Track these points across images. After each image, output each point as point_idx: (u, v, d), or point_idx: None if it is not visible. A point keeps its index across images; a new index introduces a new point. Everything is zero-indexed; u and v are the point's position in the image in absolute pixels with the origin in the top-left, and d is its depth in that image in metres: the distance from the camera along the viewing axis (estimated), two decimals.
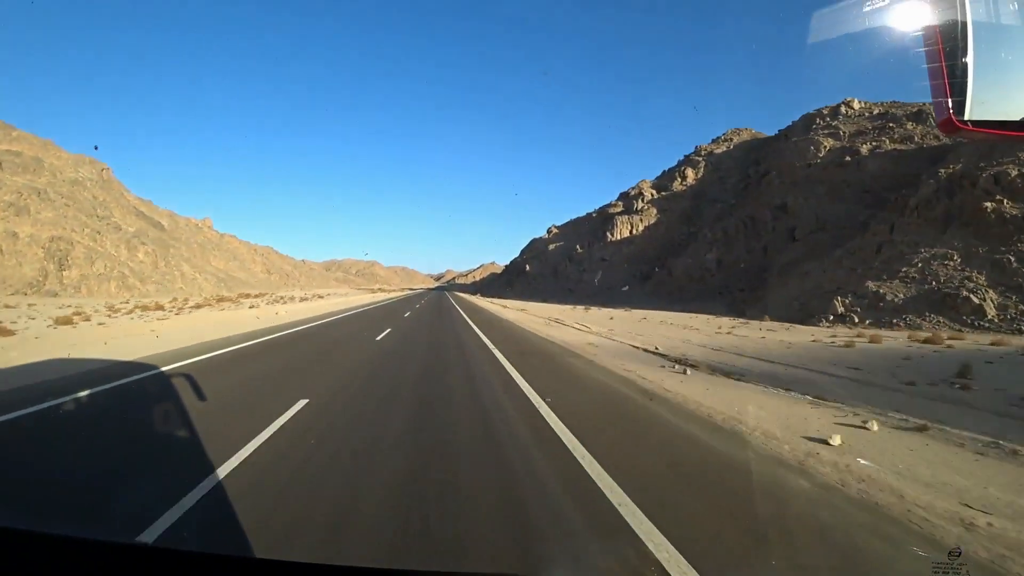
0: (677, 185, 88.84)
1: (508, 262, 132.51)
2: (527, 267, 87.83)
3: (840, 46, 1.15)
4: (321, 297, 55.61)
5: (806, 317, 27.14)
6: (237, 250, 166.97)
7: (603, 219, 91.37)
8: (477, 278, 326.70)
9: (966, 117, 0.92)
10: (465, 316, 24.87)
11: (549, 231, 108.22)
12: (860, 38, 1.08)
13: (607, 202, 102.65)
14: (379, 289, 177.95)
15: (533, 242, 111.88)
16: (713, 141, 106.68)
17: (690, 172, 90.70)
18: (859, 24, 1.07)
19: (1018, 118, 0.95)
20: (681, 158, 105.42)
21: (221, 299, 46.28)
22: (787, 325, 25.05)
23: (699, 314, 34.85)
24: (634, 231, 74.47)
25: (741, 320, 27.69)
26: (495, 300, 55.85)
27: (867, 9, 1.04)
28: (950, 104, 0.92)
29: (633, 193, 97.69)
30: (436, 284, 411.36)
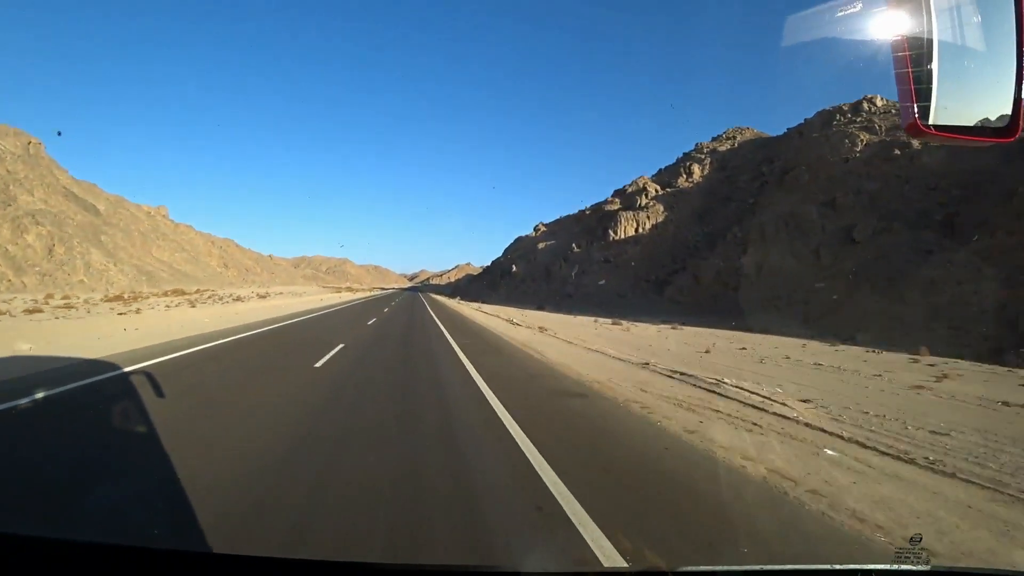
0: (683, 182, 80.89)
1: (488, 262, 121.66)
2: (514, 268, 77.22)
3: (812, 50, 1.21)
4: (262, 297, 43.94)
5: (991, 351, 17.29)
6: (193, 241, 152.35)
7: (600, 216, 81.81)
8: (452, 279, 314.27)
9: (930, 121, 0.98)
10: (463, 357, 11.87)
11: (536, 229, 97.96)
12: (832, 44, 1.13)
13: (599, 199, 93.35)
14: (347, 288, 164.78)
15: (518, 241, 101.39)
16: (714, 139, 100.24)
17: (696, 168, 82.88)
18: (831, 30, 1.11)
19: (976, 123, 1.02)
20: (680, 155, 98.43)
21: (116, 298, 34.30)
22: (996, 368, 15.06)
23: (770, 335, 24.83)
24: (640, 229, 64.83)
25: (908, 356, 17.55)
26: (484, 307, 44.99)
27: (840, 15, 1.08)
28: (915, 109, 0.97)
29: (631, 190, 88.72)
30: (410, 284, 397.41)
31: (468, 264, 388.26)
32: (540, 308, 47.91)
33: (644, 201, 73.06)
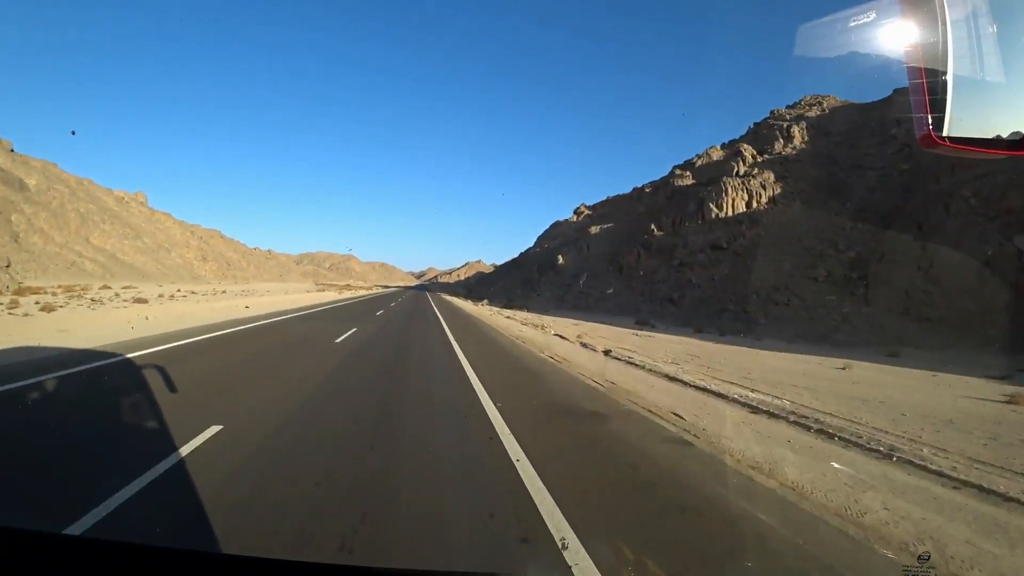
0: (782, 148, 61.16)
1: (502, 260, 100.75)
2: (560, 259, 56.46)
3: (825, 55, 1.15)
4: (171, 298, 23.71)
5: None
6: (169, 231, 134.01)
7: (672, 193, 61.54)
8: (462, 277, 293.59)
9: (944, 133, 0.95)
10: None
11: (578, 212, 77.67)
12: (845, 49, 1.10)
13: (651, 178, 72.95)
14: (344, 286, 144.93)
15: (556, 226, 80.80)
16: (790, 107, 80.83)
17: (796, 132, 63.14)
18: (844, 37, 1.09)
19: (991, 136, 0.99)
20: (751, 124, 79.32)
21: None
22: None
23: None
24: (755, 204, 44.25)
25: None
26: (583, 330, 23.55)
27: (852, 24, 1.06)
28: (930, 120, 0.95)
29: (702, 162, 68.95)
30: (417, 282, 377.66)
31: (479, 261, 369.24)
32: (646, 324, 27.31)
33: (742, 168, 52.56)
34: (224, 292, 40.42)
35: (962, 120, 0.94)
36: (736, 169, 53.01)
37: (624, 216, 61.34)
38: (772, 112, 79.58)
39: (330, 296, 44.24)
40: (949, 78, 0.93)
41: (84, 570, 1.03)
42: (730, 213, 43.83)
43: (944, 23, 0.93)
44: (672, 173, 67.42)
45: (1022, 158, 0.97)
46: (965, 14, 0.96)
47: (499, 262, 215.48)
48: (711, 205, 44.74)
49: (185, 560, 1.12)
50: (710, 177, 56.76)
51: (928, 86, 0.93)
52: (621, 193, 75.82)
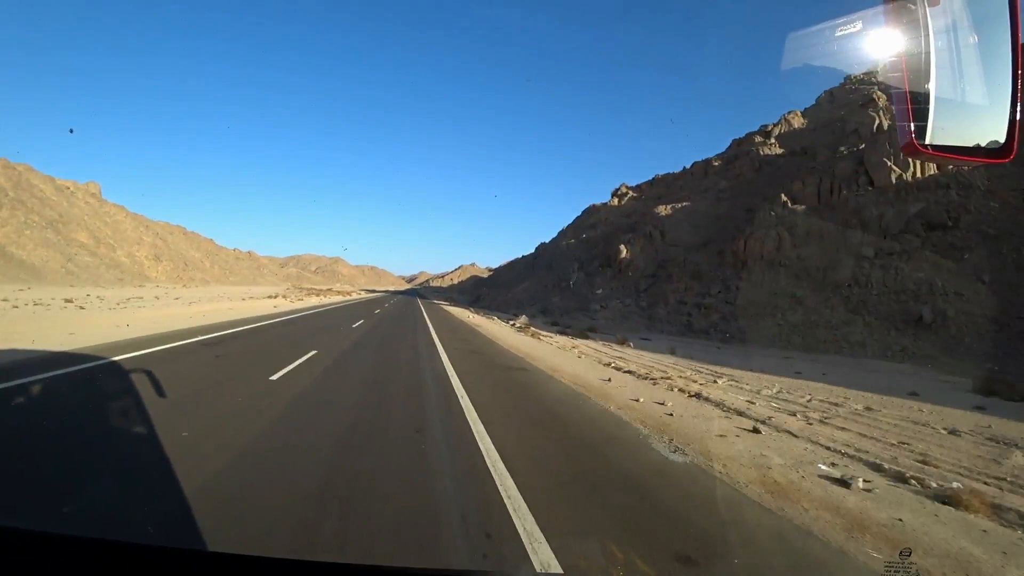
0: None
1: (536, 246, 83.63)
2: (623, 251, 39.41)
3: (812, 64, 1.15)
4: None
5: None
6: (119, 225, 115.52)
7: (761, 163, 45.15)
8: (455, 281, 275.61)
9: (927, 141, 0.97)
10: None
11: (619, 194, 61.20)
12: (832, 60, 1.11)
13: (704, 156, 56.96)
14: (326, 291, 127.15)
15: (593, 212, 63.99)
16: (868, 72, 65.91)
17: None
18: (831, 47, 1.10)
19: (971, 144, 1.01)
20: (821, 93, 65.42)
21: None
22: None
23: None
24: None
25: None
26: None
27: (839, 34, 1.07)
28: (912, 128, 0.97)
29: (782, 130, 53.31)
30: (408, 286, 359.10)
31: (473, 264, 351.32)
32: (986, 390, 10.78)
33: (884, 121, 36.32)
34: (90, 300, 23.28)
35: (944, 129, 0.96)
36: (877, 122, 36.66)
37: (700, 194, 44.91)
38: (847, 77, 65.25)
39: (293, 307, 27.19)
40: (931, 88, 0.95)
41: (79, 569, 1.03)
42: (919, 175, 27.46)
43: (927, 35, 0.94)
44: (749, 142, 51.15)
45: (1001, 165, 1.01)
46: (947, 25, 0.97)
47: (494, 265, 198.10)
48: (888, 163, 28.14)
49: (177, 559, 1.13)
50: (808, 143, 40.36)
51: (911, 95, 0.94)
52: (671, 172, 59.52)
